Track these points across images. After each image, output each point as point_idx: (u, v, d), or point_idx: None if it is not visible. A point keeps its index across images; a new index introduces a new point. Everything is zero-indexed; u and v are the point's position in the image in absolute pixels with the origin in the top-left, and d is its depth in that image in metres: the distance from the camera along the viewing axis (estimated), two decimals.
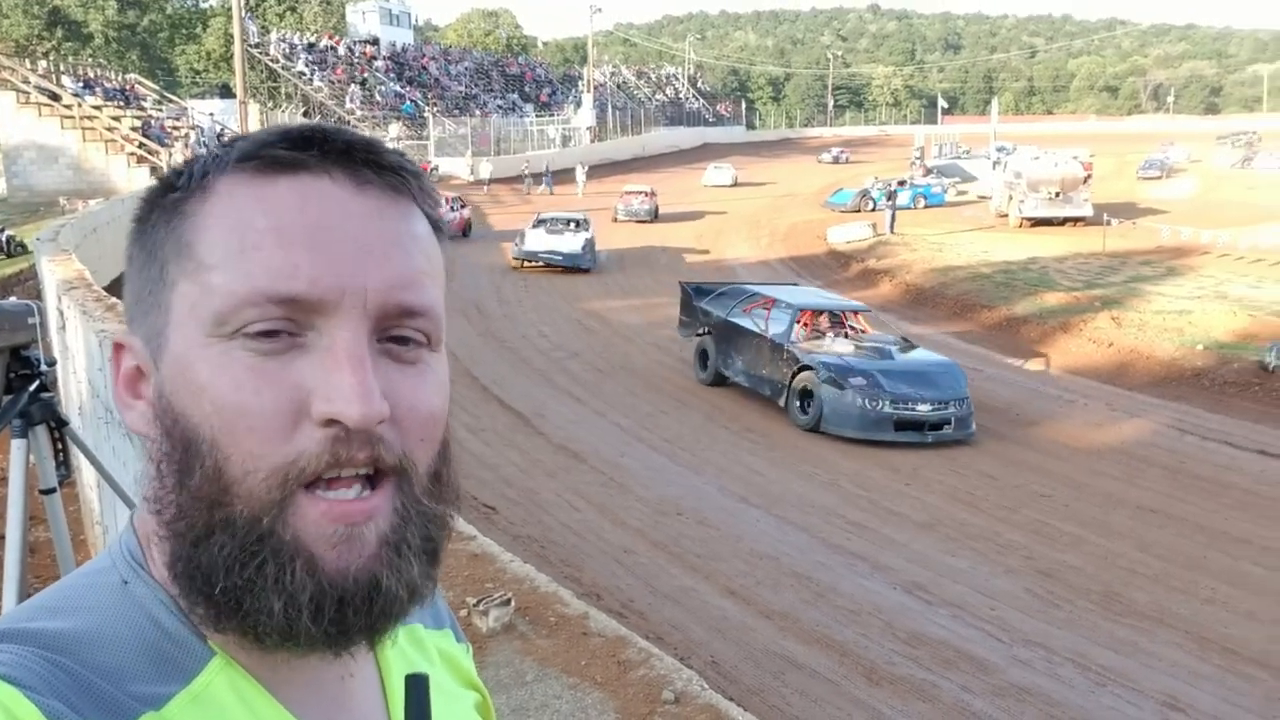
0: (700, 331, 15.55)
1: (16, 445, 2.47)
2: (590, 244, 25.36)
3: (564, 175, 43.51)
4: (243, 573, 0.59)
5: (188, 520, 0.61)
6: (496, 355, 16.93)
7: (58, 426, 2.53)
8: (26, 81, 35.56)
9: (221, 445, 0.60)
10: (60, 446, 2.53)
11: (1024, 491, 11.11)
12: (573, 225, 26.07)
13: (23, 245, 25.36)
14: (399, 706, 0.71)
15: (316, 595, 0.60)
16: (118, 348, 0.68)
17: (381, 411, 0.60)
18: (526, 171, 42.49)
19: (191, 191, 0.64)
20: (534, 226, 25.94)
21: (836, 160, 60.14)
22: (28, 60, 41.14)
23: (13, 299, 2.62)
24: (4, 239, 25.30)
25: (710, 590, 8.15)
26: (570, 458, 11.61)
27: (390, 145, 0.68)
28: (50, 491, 2.60)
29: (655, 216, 34.17)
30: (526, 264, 24.75)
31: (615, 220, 33.24)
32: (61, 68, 41.56)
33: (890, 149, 69.91)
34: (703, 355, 15.39)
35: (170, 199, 0.65)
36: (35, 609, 0.63)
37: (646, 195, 35.13)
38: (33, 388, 2.43)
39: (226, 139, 0.67)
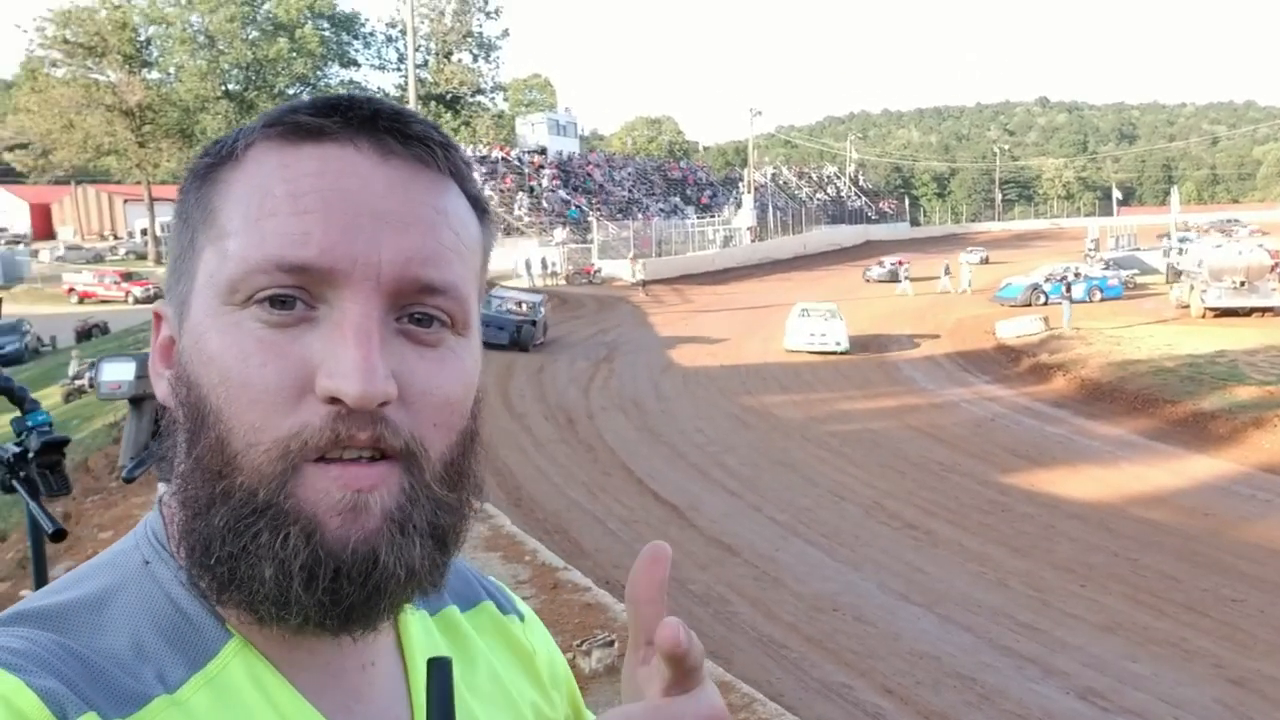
0: None
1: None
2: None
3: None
4: (238, 541, 0.58)
5: (193, 490, 0.60)
6: (652, 450, 16.99)
7: None
8: None
9: (225, 417, 0.59)
10: None
11: (1212, 595, 10.27)
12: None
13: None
14: (422, 695, 0.67)
15: (310, 563, 0.58)
16: (156, 318, 0.68)
17: (385, 391, 0.58)
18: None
19: (224, 159, 0.63)
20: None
21: (894, 276, 44.78)
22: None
23: None
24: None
25: (866, 688, 7.82)
26: (723, 550, 11.46)
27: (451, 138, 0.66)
28: None
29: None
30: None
31: None
32: None
33: (1014, 248, 67.48)
34: None
35: (204, 164, 0.65)
36: (56, 589, 0.62)
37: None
38: None
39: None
